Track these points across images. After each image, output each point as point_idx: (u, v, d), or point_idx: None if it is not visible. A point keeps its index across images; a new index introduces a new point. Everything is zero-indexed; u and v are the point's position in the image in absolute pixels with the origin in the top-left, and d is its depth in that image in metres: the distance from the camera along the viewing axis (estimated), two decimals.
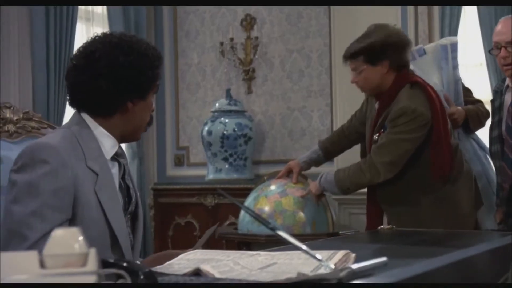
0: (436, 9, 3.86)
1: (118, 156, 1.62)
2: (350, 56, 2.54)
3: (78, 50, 1.59)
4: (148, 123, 1.66)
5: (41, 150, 1.46)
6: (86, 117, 1.58)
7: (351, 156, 2.96)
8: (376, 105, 2.64)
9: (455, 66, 2.65)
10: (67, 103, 1.64)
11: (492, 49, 2.53)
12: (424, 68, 2.65)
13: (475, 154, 2.68)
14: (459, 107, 2.67)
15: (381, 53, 2.48)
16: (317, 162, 3.00)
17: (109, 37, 1.58)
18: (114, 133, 1.59)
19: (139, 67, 1.55)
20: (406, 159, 2.52)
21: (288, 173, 2.99)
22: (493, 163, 2.58)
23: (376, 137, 2.56)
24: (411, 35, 3.71)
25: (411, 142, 2.48)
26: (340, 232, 3.02)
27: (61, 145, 1.48)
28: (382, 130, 2.55)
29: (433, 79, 2.64)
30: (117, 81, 1.53)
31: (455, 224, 2.47)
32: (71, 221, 1.46)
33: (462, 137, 2.68)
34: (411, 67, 2.62)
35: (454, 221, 2.49)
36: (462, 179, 2.60)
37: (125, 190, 1.64)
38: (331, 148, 2.98)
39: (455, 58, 2.64)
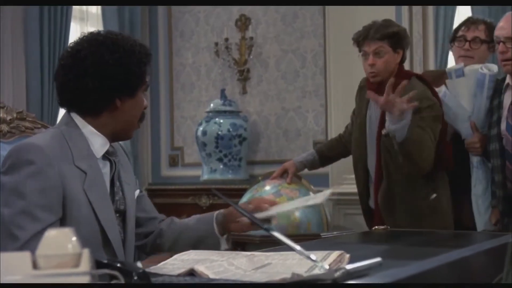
0: (430, 10, 3.87)
1: (110, 155, 1.61)
2: (380, 37, 2.57)
3: (66, 50, 1.60)
4: (140, 119, 1.65)
5: (26, 150, 1.46)
6: (75, 116, 1.58)
7: (348, 163, 2.95)
8: (372, 105, 2.65)
9: (489, 96, 2.60)
10: (58, 103, 1.63)
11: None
12: (457, 90, 2.62)
13: (490, 186, 2.65)
14: (484, 135, 2.63)
15: (401, 41, 2.60)
16: (311, 164, 3.00)
17: (95, 36, 1.58)
18: (104, 131, 1.59)
19: (125, 64, 1.54)
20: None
21: (283, 173, 2.99)
22: (491, 162, 2.57)
23: (385, 131, 2.54)
24: None
25: (435, 132, 2.49)
26: (322, 234, 2.97)
27: (47, 144, 1.48)
28: None
29: (463, 103, 2.62)
30: (103, 79, 1.53)
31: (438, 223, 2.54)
32: (61, 221, 1.46)
33: (480, 166, 2.62)
34: (444, 88, 2.65)
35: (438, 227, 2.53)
36: (444, 188, 2.66)
37: (113, 188, 1.63)
38: (327, 153, 2.99)
39: (491, 88, 2.59)
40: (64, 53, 1.59)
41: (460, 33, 2.79)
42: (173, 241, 1.72)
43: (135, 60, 1.56)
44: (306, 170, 3.05)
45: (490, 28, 2.77)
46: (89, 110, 1.57)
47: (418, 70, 3.66)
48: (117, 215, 1.62)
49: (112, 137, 1.62)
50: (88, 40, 1.56)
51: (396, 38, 2.58)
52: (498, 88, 2.58)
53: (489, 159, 2.59)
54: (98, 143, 1.58)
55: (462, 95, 2.63)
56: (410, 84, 2.54)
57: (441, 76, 2.87)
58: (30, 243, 1.37)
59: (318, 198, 1.61)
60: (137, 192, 1.74)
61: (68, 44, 1.62)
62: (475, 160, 2.63)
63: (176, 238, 1.72)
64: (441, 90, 2.66)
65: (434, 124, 2.50)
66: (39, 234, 1.38)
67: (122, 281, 0.94)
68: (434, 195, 2.60)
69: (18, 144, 1.51)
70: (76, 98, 1.56)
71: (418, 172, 2.52)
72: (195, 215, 1.79)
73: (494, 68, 2.62)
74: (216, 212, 1.71)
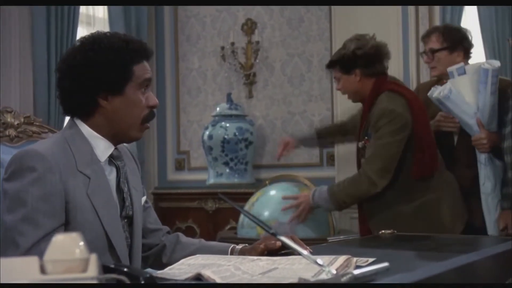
0: (436, 14, 3.86)
1: (114, 159, 1.60)
2: (328, 66, 2.76)
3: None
4: (147, 118, 1.60)
5: (28, 157, 1.46)
6: (77, 121, 1.58)
7: (354, 167, 2.95)
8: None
9: (493, 92, 2.59)
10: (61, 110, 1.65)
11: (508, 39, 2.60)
12: (460, 88, 2.63)
13: (499, 183, 2.61)
14: (491, 132, 2.62)
15: (352, 63, 2.66)
16: (310, 141, 3.17)
17: (80, 40, 1.60)
18: (103, 133, 1.57)
19: (102, 62, 1.52)
20: (395, 163, 2.59)
21: (285, 146, 3.12)
22: (505, 159, 2.55)
23: (361, 144, 2.65)
24: (412, 41, 3.71)
25: (395, 145, 2.58)
26: (328, 239, 2.98)
27: (49, 151, 1.48)
28: (366, 137, 2.62)
29: (468, 101, 2.62)
30: (77, 80, 1.53)
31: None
32: (65, 226, 1.46)
33: (488, 163, 2.60)
34: (449, 85, 2.66)
35: (435, 231, 2.51)
36: (444, 188, 2.66)
37: (121, 194, 1.62)
38: (325, 135, 3.13)
39: (494, 83, 2.59)
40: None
41: (422, 48, 2.91)
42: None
43: (117, 57, 1.53)
44: (312, 174, 3.07)
45: (445, 33, 2.85)
46: (79, 113, 1.58)
47: (424, 75, 3.66)
48: (125, 220, 1.61)
49: (114, 139, 1.60)
50: (73, 45, 1.61)
51: (342, 62, 2.67)
52: (508, 90, 2.57)
53: (498, 157, 2.58)
54: (102, 146, 1.57)
55: (466, 93, 2.63)
56: (377, 101, 2.63)
57: (436, 82, 2.89)
58: (31, 250, 1.37)
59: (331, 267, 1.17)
60: (143, 198, 1.73)
61: None
62: (482, 157, 2.62)
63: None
64: (445, 87, 2.66)
65: (393, 138, 2.57)
66: (41, 241, 1.38)
67: None
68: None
69: (20, 151, 1.50)
70: (64, 102, 1.58)
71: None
72: (202, 240, 1.76)
73: (496, 63, 2.62)
74: (231, 246, 1.65)
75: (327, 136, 3.11)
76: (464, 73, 2.63)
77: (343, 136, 3.06)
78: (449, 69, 2.70)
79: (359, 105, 2.86)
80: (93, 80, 1.53)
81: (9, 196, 1.45)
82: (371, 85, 2.65)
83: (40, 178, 1.44)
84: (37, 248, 1.37)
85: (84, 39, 1.58)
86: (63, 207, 1.46)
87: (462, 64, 2.68)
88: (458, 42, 2.84)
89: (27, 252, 1.37)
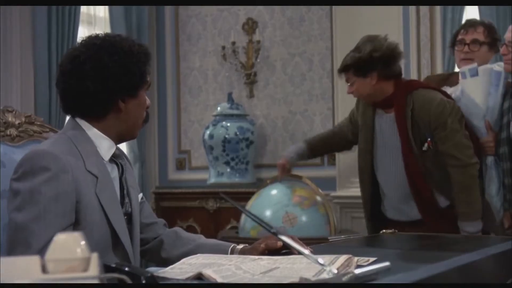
0: (437, 13, 3.86)
1: (116, 158, 1.62)
2: (342, 69, 2.66)
3: (64, 56, 1.61)
4: (145, 120, 1.66)
5: (40, 157, 1.46)
6: (80, 121, 1.59)
7: (355, 167, 2.94)
8: (381, 117, 2.65)
9: (503, 94, 2.59)
10: (61, 109, 1.64)
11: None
12: (471, 89, 2.61)
13: (503, 186, 2.63)
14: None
15: (369, 66, 2.57)
16: (302, 158, 3.07)
17: (92, 39, 1.59)
18: (110, 134, 1.60)
19: (125, 65, 1.55)
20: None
21: (284, 169, 3.05)
22: (501, 165, 2.56)
23: (426, 147, 2.57)
24: (413, 40, 3.71)
25: (463, 133, 2.56)
26: (329, 238, 2.98)
27: (60, 151, 1.48)
28: (428, 139, 2.56)
29: (477, 102, 2.61)
30: (104, 81, 1.53)
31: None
32: (74, 225, 1.46)
33: (493, 166, 2.60)
34: (460, 87, 2.65)
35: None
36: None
37: (122, 191, 1.64)
38: (318, 149, 3.07)
39: (504, 86, 2.59)
40: (64, 59, 1.60)
41: (459, 36, 2.79)
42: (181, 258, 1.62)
43: (135, 60, 1.57)
44: (313, 173, 3.06)
45: (489, 29, 2.79)
46: (93, 114, 1.58)
47: (425, 73, 3.65)
48: (125, 217, 1.62)
49: (118, 139, 1.63)
50: (86, 44, 1.58)
51: (357, 66, 2.58)
52: (508, 91, 2.57)
53: (501, 159, 2.58)
54: (105, 146, 1.59)
55: (477, 94, 2.62)
56: (415, 100, 2.56)
57: (446, 79, 2.87)
58: (43, 251, 1.36)
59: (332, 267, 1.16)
60: (140, 195, 1.74)
61: (68, 50, 1.62)
62: (489, 159, 2.61)
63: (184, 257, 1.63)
64: (457, 89, 2.65)
65: (460, 126, 2.55)
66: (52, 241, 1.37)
67: None
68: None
69: (29, 152, 1.50)
70: (79, 102, 1.57)
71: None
72: (202, 237, 1.77)
73: None
74: (231, 246, 1.65)
75: (322, 146, 3.05)
76: (477, 74, 2.62)
77: (338, 144, 3.01)
78: (462, 69, 2.68)
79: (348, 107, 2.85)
80: (119, 82, 1.55)
81: (20, 195, 1.44)
82: (392, 87, 2.60)
83: (53, 177, 1.44)
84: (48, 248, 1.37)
85: (100, 41, 1.57)
86: (73, 206, 1.46)
87: (475, 65, 2.65)
88: (496, 42, 2.79)
89: (39, 252, 1.37)
